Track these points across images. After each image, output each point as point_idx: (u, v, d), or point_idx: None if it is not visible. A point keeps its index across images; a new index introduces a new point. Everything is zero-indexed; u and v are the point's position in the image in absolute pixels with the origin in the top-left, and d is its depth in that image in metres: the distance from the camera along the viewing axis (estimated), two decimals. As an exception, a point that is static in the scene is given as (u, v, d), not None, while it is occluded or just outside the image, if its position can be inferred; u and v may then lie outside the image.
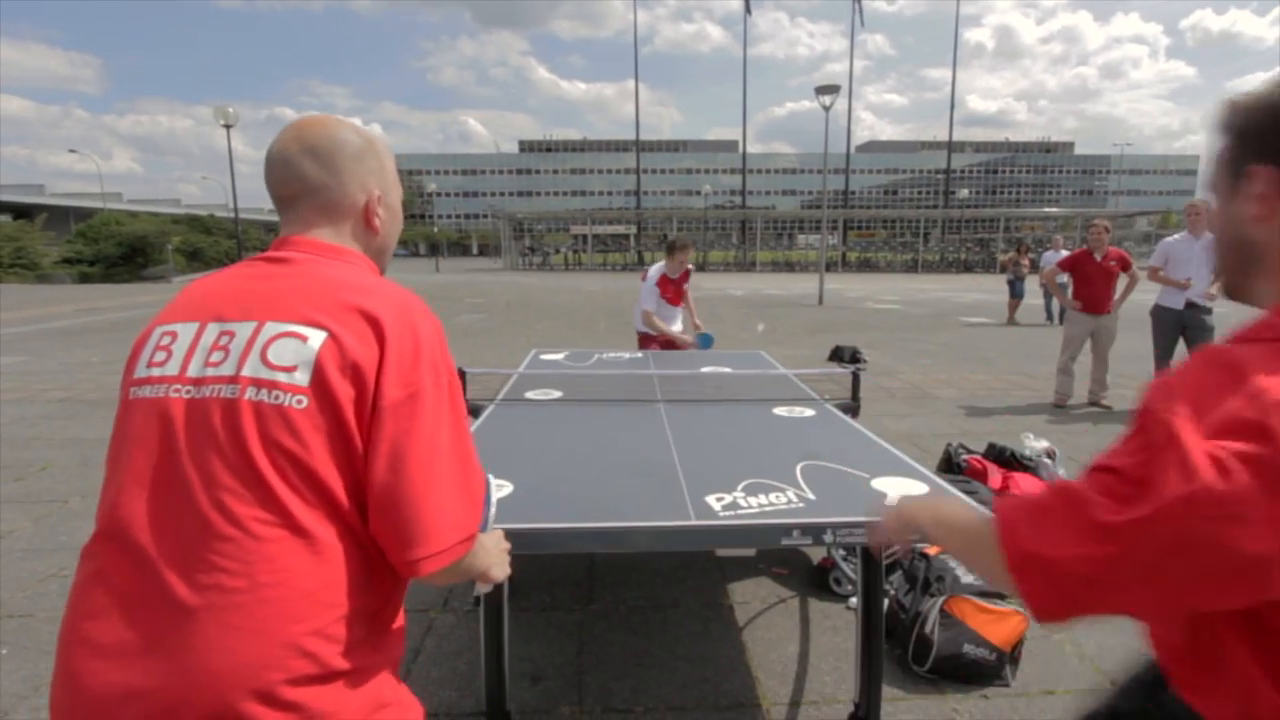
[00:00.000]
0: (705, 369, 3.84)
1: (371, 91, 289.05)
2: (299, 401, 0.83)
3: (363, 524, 0.86)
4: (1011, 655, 2.24)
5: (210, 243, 41.23)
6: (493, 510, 1.22)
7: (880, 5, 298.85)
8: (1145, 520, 0.60)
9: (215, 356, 0.86)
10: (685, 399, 3.10)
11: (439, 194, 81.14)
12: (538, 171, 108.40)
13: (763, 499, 1.77)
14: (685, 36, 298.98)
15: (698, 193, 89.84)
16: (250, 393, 0.83)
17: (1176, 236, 5.78)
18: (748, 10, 40.85)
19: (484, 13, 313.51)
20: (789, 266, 38.41)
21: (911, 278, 31.59)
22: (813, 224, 49.74)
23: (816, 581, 2.85)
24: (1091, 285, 6.12)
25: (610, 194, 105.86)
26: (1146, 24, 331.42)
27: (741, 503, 1.75)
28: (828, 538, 1.63)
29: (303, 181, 0.98)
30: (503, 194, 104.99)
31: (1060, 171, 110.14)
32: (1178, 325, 5.69)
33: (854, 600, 2.70)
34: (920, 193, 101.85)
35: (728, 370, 3.81)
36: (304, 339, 0.85)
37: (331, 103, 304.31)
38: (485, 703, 1.89)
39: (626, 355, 4.36)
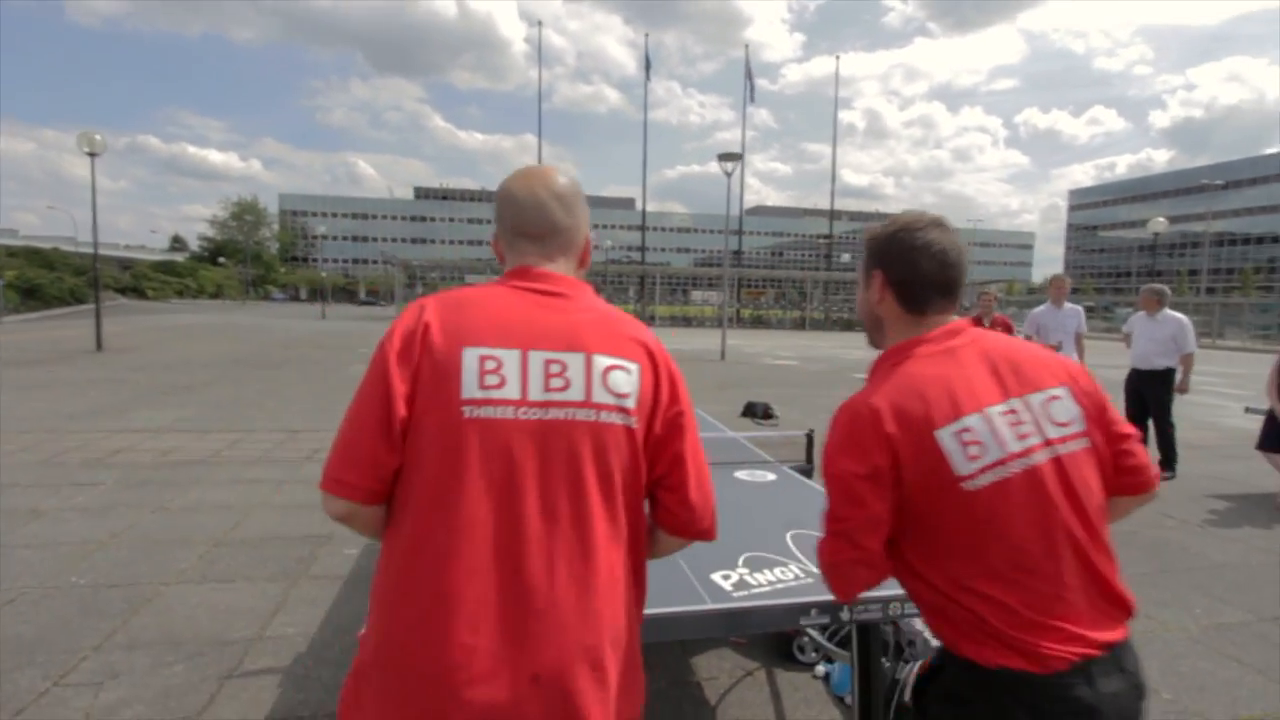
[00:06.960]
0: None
1: (251, 126, 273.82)
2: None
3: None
4: None
5: (51, 279, 35.98)
6: None
7: (764, 83, 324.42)
8: None
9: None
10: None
11: (327, 237, 77.33)
12: (433, 219, 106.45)
13: (769, 574, 1.71)
14: (583, 96, 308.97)
15: (598, 247, 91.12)
16: None
17: (1042, 307, 6.45)
18: (647, 77, 42.95)
19: (377, 57, 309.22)
20: (686, 321, 39.58)
21: (800, 334, 33.37)
22: (706, 281, 51.73)
23: (779, 650, 2.79)
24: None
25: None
26: (988, 117, 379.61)
27: (750, 580, 1.67)
28: (844, 615, 1.58)
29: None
30: (395, 240, 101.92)
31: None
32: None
33: (820, 668, 2.65)
34: (804, 255, 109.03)
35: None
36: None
37: (205, 135, 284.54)
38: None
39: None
